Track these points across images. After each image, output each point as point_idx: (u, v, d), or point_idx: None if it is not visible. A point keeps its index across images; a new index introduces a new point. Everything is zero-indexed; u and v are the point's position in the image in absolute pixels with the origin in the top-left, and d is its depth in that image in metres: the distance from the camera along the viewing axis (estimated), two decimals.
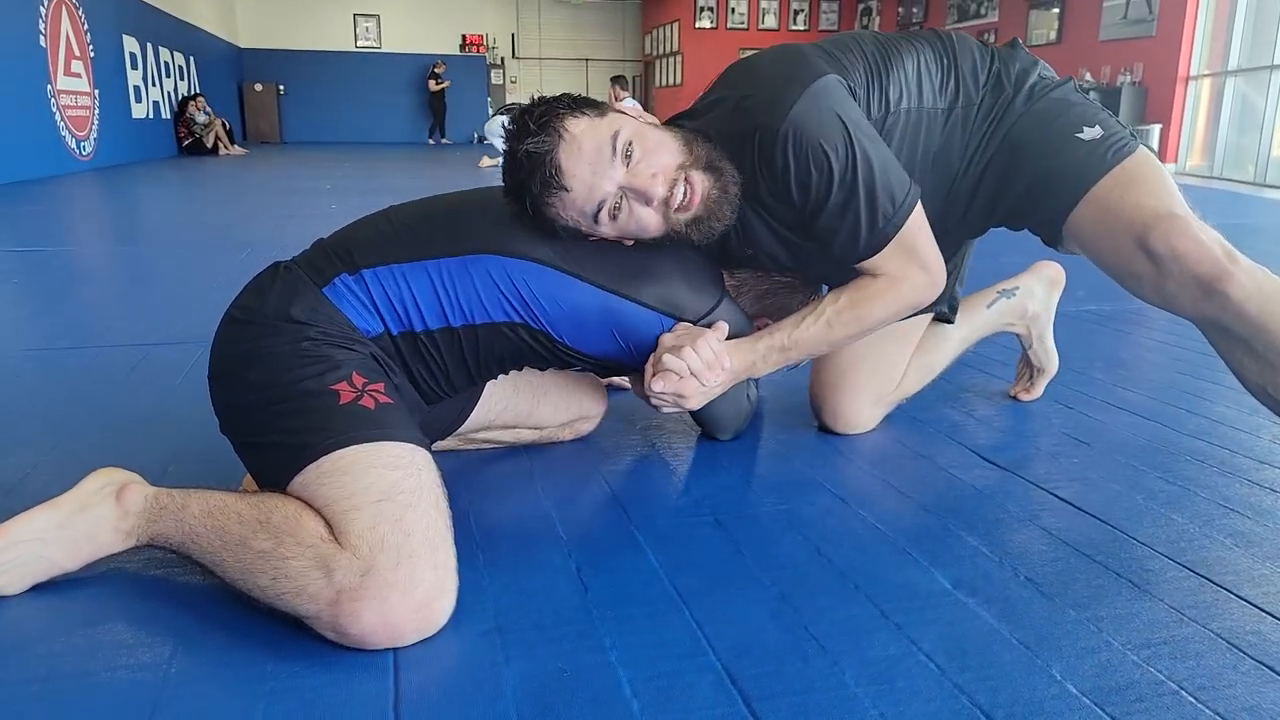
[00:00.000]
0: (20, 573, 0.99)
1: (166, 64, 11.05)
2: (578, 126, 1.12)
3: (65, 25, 7.81)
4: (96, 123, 8.49)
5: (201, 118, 11.18)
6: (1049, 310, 1.69)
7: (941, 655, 0.90)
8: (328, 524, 0.94)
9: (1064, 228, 1.25)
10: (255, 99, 15.21)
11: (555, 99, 1.16)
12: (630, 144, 1.12)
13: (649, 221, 1.15)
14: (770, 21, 16.16)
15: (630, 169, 1.12)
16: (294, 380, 1.04)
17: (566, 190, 1.12)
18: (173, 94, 11.26)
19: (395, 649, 0.90)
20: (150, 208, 5.66)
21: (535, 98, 1.18)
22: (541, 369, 1.35)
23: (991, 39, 12.81)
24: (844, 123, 1.16)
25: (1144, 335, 2.29)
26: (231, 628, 0.95)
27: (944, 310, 1.56)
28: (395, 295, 1.13)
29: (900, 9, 14.99)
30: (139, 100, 9.86)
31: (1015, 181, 1.28)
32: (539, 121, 1.11)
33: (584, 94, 1.20)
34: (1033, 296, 1.66)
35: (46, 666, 0.88)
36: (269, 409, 1.04)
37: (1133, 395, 1.76)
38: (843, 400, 1.51)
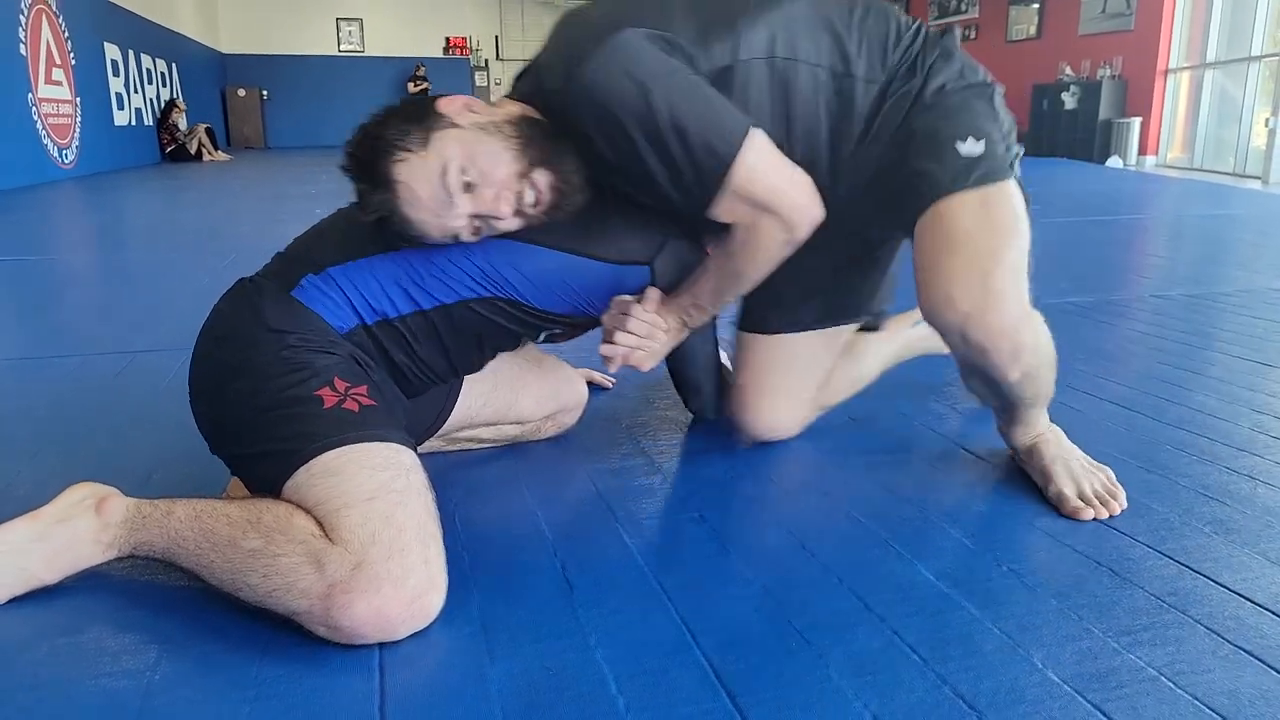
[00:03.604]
0: None
1: (148, 70, 10.98)
2: (405, 172, 1.07)
3: (45, 33, 7.75)
4: (78, 131, 8.43)
5: (185, 123, 11.13)
6: None
7: (925, 646, 0.90)
8: (319, 523, 0.94)
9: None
10: (239, 104, 15.12)
11: (375, 135, 1.09)
12: (464, 172, 1.07)
13: (508, 227, 1.13)
14: None
15: (473, 196, 1.08)
16: (278, 389, 1.05)
17: (423, 237, 1.11)
18: (155, 101, 11.19)
19: (381, 647, 0.90)
20: (133, 215, 5.63)
21: (359, 131, 1.12)
22: (514, 346, 1.34)
23: (972, 35, 12.87)
24: (640, 82, 1.06)
25: (1126, 326, 2.31)
26: (215, 632, 0.94)
27: (870, 320, 1.52)
28: (365, 287, 1.14)
29: None
30: (121, 107, 9.80)
31: (894, 175, 1.22)
32: (369, 176, 1.08)
33: (413, 98, 1.16)
34: None
35: (30, 675, 0.88)
36: (256, 419, 1.05)
37: (1114, 386, 1.78)
38: (762, 402, 1.44)
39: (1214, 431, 1.52)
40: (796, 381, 1.47)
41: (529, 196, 1.11)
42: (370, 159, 1.08)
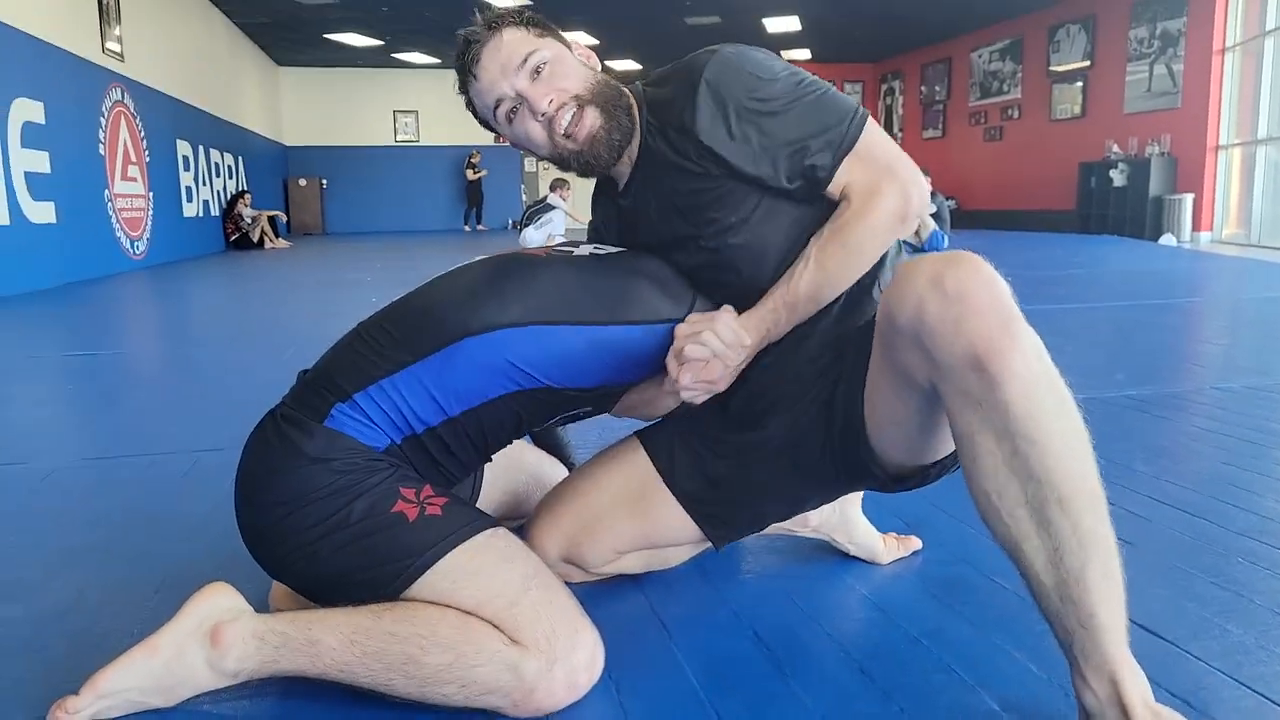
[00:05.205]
0: (113, 716, 1.02)
1: (216, 164, 11.54)
2: (513, 34, 1.23)
3: (124, 133, 8.22)
4: (150, 223, 8.85)
5: (249, 213, 11.62)
6: (844, 517, 1.46)
7: None
8: (492, 624, 1.03)
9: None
10: (299, 193, 15.80)
11: (519, 10, 1.26)
12: (544, 65, 1.21)
13: (536, 135, 1.23)
14: None
15: (533, 84, 1.21)
16: (351, 519, 1.07)
17: (476, 78, 1.23)
18: (222, 192, 11.72)
19: None
20: (199, 307, 5.85)
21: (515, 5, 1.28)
22: (543, 423, 1.31)
23: (1016, 115, 12.96)
24: (777, 57, 1.20)
25: (1185, 421, 2.26)
26: None
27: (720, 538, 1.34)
28: (391, 408, 1.13)
29: (923, 88, 15.27)
30: (190, 200, 10.28)
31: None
32: (490, 18, 1.24)
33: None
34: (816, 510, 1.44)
35: None
36: (339, 552, 1.07)
37: (1177, 489, 1.73)
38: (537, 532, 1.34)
39: None
40: (621, 524, 1.30)
41: (568, 118, 1.21)
42: (502, 13, 1.25)
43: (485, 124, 1.30)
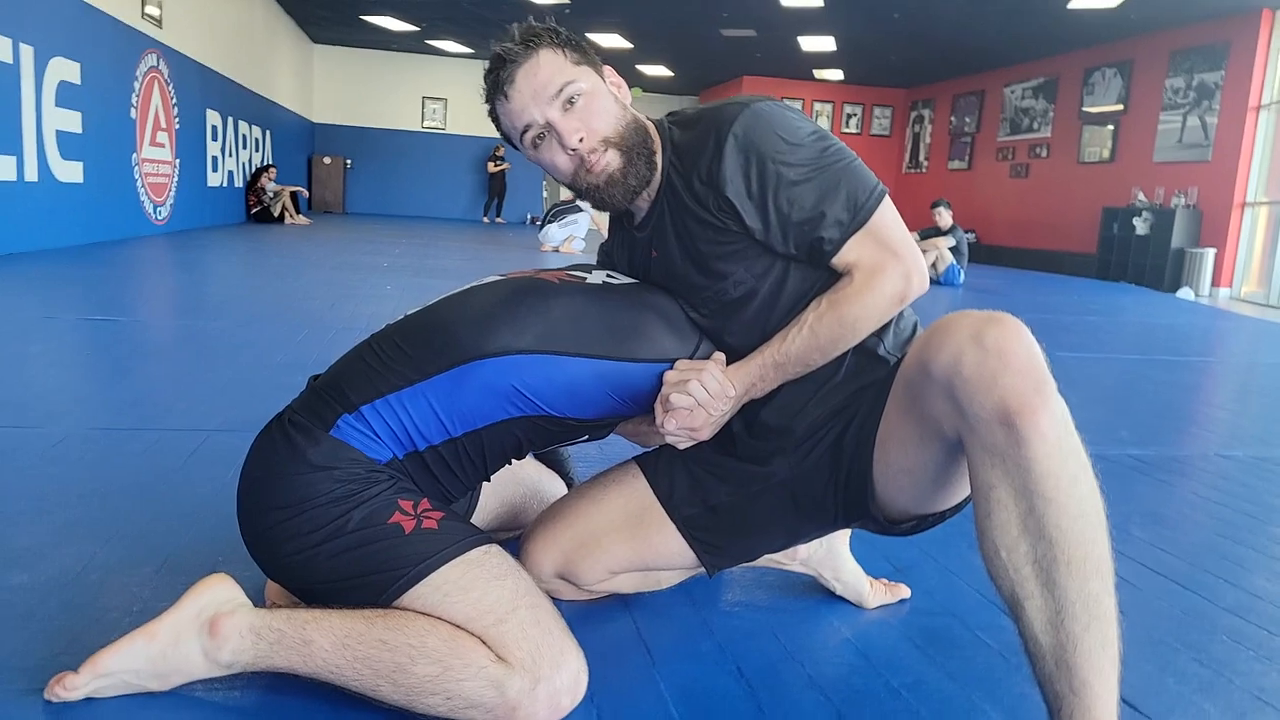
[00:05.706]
0: (108, 695, 1.04)
1: (244, 136, 11.60)
2: (550, 57, 1.22)
3: (155, 99, 8.28)
4: (174, 189, 8.91)
5: (272, 187, 11.69)
6: (832, 553, 1.47)
7: None
8: (480, 639, 1.04)
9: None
10: (323, 170, 15.87)
11: (556, 28, 1.26)
12: (578, 96, 1.21)
13: (561, 164, 1.24)
14: (823, 124, 16.54)
15: (564, 115, 1.21)
16: (348, 527, 1.09)
17: (506, 98, 1.22)
18: (247, 165, 11.79)
19: None
20: (216, 278, 5.90)
21: (550, 19, 1.28)
22: (543, 448, 1.34)
23: (1044, 153, 12.94)
24: (810, 120, 1.22)
25: (1186, 487, 2.26)
26: None
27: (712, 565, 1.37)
28: (395, 423, 1.15)
29: (953, 118, 15.26)
30: (215, 170, 10.35)
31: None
32: (527, 35, 1.23)
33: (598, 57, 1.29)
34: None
35: None
36: (336, 559, 1.09)
37: (1170, 558, 1.74)
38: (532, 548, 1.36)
39: (1272, 623, 1.48)
40: (572, 541, 1.33)
41: (592, 157, 1.22)
42: (538, 32, 1.23)
43: (508, 140, 1.30)
